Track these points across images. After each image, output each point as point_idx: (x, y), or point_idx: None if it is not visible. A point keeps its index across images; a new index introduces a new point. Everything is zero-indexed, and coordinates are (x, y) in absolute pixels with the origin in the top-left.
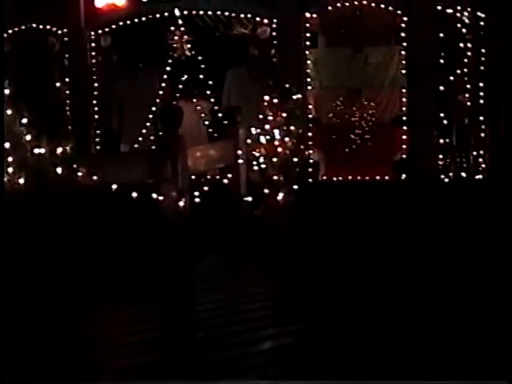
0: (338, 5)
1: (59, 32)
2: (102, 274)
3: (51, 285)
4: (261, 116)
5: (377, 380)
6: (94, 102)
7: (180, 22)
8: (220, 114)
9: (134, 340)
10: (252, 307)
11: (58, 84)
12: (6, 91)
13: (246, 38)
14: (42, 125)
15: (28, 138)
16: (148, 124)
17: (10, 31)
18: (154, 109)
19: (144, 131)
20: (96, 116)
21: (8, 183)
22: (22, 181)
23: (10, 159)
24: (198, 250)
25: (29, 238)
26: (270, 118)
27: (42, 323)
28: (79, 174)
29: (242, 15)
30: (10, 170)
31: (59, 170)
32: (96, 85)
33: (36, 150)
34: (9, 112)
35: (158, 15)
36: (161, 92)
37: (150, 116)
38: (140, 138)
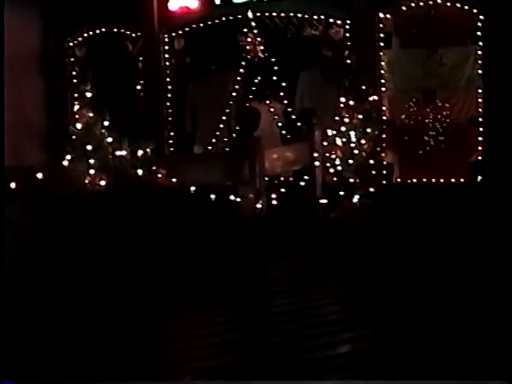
0: (412, 4)
1: (133, 35)
2: (181, 276)
3: (130, 285)
4: (337, 118)
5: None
6: (168, 104)
7: (253, 24)
8: (293, 116)
9: (212, 341)
10: (328, 310)
11: (138, 87)
12: (88, 94)
13: (318, 39)
14: (122, 127)
15: (109, 140)
16: (221, 126)
17: (85, 35)
18: (227, 111)
19: (218, 133)
20: (170, 118)
21: (89, 184)
22: (103, 182)
23: (91, 161)
24: (275, 252)
25: (110, 239)
26: (346, 119)
27: (122, 324)
28: (159, 175)
29: (315, 17)
30: (92, 171)
31: (140, 172)
32: (169, 87)
33: (117, 153)
34: (90, 115)
35: (231, 17)
36: (234, 94)
37: (224, 118)
38: (214, 140)
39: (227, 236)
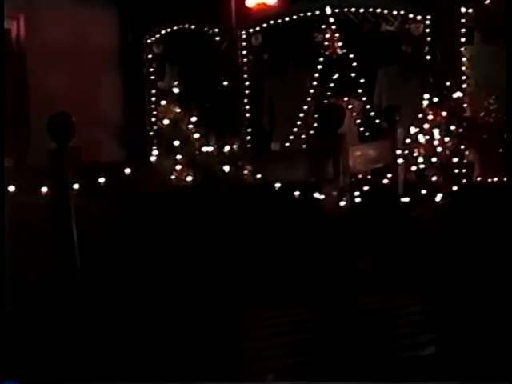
0: None
1: (210, 32)
2: (264, 273)
3: (213, 282)
4: (420, 115)
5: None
6: (245, 101)
7: (331, 20)
8: (372, 113)
9: (290, 340)
10: (410, 310)
11: (226, 83)
12: (175, 90)
13: (397, 35)
14: (209, 123)
15: (196, 136)
16: (299, 123)
17: (162, 32)
18: (305, 108)
19: (295, 130)
20: (247, 115)
21: (175, 180)
22: (189, 178)
23: (178, 157)
24: (357, 251)
25: (195, 235)
26: (430, 117)
27: (202, 323)
28: (245, 172)
29: (395, 12)
30: (178, 167)
31: (226, 169)
32: (247, 84)
33: (204, 148)
34: (178, 110)
35: (308, 14)
36: (312, 91)
37: (302, 115)
38: (291, 137)
39: (310, 233)
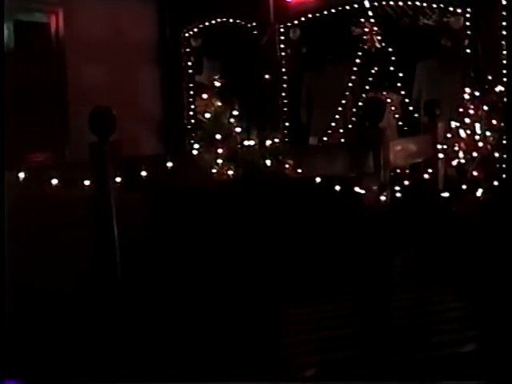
0: None
1: (249, 26)
2: (301, 267)
3: (254, 277)
4: (461, 109)
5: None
6: (283, 94)
7: (370, 13)
8: (411, 108)
9: (326, 335)
10: (450, 307)
11: (267, 76)
12: (217, 83)
13: (436, 28)
14: (249, 117)
15: (238, 130)
16: (337, 117)
17: (200, 26)
18: (343, 102)
19: (333, 124)
20: (285, 108)
21: (216, 174)
22: (230, 172)
23: (219, 151)
24: (397, 246)
25: (237, 230)
26: (471, 111)
27: (243, 317)
28: (286, 166)
29: (434, 5)
30: (220, 161)
31: (268, 163)
32: (285, 77)
33: (245, 142)
34: (219, 104)
35: (347, 7)
36: (350, 85)
37: (340, 109)
38: (329, 131)
39: (350, 228)
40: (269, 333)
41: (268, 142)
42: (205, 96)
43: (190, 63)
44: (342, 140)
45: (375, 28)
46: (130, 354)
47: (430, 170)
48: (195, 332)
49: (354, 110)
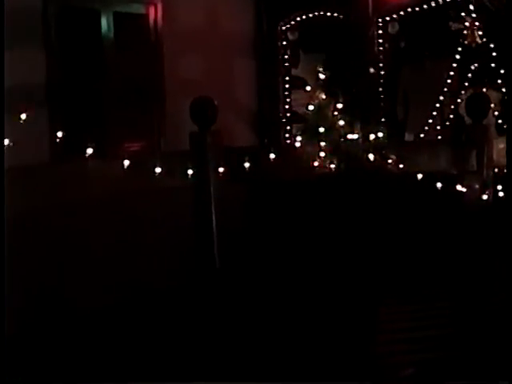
0: None
1: (346, 19)
2: (399, 267)
3: (347, 276)
4: None
5: None
6: (380, 89)
7: (471, 7)
8: None
9: (415, 336)
10: None
11: (371, 70)
12: (322, 76)
13: None
14: (354, 110)
15: (341, 123)
16: (435, 113)
17: (297, 19)
18: (441, 98)
19: (430, 121)
20: (381, 104)
21: (318, 167)
22: (333, 166)
23: (322, 144)
24: (498, 247)
25: (336, 224)
26: None
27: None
28: (389, 161)
29: None
30: (322, 154)
31: (371, 157)
32: (382, 72)
33: (349, 136)
34: (323, 97)
35: (447, 0)
36: (449, 81)
37: (438, 105)
38: (426, 128)
39: (451, 226)
40: (365, 331)
41: (371, 137)
42: (308, 88)
43: (286, 56)
44: (439, 137)
45: (476, 23)
46: (233, 344)
47: None
48: (291, 326)
49: (453, 107)
